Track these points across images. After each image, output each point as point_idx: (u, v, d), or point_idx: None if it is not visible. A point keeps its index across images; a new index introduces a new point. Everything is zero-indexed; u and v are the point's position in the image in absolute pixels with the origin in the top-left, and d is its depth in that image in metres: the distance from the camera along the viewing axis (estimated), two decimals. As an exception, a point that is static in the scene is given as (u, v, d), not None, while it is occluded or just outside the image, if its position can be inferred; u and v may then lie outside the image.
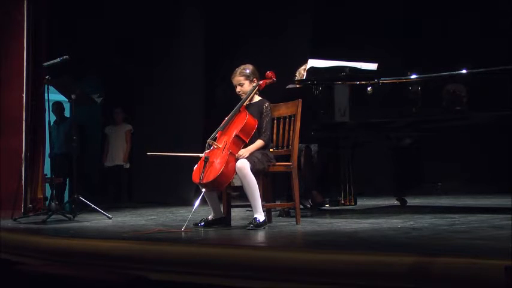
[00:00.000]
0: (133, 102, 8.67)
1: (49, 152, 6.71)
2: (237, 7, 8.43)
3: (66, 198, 7.97)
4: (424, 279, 2.34)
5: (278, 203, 5.04)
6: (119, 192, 8.41)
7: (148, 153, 4.77)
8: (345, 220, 4.66)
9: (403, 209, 5.68)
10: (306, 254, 2.84)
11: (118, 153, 8.27)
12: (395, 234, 3.60)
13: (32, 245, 3.86)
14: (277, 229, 4.18)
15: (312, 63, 5.39)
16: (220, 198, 4.59)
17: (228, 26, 8.56)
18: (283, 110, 4.59)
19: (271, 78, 4.53)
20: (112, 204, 7.17)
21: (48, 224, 5.00)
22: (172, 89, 8.10)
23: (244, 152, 4.23)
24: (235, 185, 4.39)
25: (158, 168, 7.79)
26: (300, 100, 4.45)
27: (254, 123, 4.33)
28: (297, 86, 5.40)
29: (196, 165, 4.32)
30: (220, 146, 4.25)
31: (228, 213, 4.54)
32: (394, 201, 6.13)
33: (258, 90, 4.51)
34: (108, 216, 5.30)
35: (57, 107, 8.23)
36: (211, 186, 4.20)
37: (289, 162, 4.47)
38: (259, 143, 4.31)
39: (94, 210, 5.41)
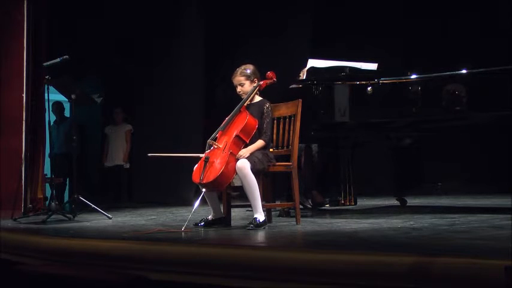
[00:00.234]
0: (134, 102, 8.66)
1: (49, 152, 6.71)
2: (237, 7, 8.43)
3: (66, 198, 7.97)
4: (424, 279, 2.34)
5: (278, 203, 5.04)
6: (119, 192, 8.41)
7: (149, 154, 4.78)
8: (345, 220, 4.65)
9: (403, 209, 5.68)
10: (306, 254, 2.83)
11: (118, 153, 8.27)
12: (395, 234, 3.60)
13: (32, 245, 3.86)
14: (277, 229, 4.18)
15: (312, 63, 5.39)
16: (220, 198, 4.59)
17: (228, 26, 8.56)
18: (283, 110, 4.59)
19: (271, 78, 4.53)
20: (112, 204, 7.17)
21: (48, 224, 5.00)
22: (172, 89, 8.10)
23: (245, 152, 4.23)
24: (235, 185, 4.39)
25: (158, 168, 7.79)
26: (300, 100, 4.45)
27: (255, 123, 4.33)
28: (300, 85, 5.40)
29: (196, 165, 4.32)
30: (220, 146, 4.25)
31: (228, 213, 4.54)
32: (394, 201, 6.13)
33: (258, 90, 4.51)
34: (108, 216, 5.30)
35: (57, 107, 8.23)
36: (212, 186, 4.20)
37: (289, 162, 4.47)
38: (259, 143, 4.31)
39: (94, 210, 5.41)
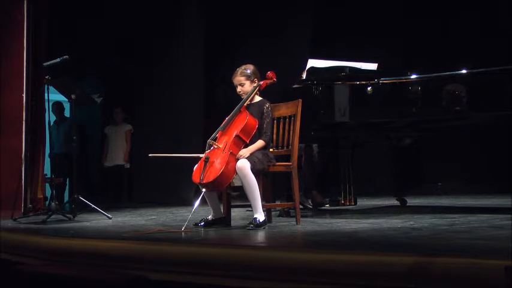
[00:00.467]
0: (134, 102, 8.66)
1: (49, 152, 6.71)
2: (237, 7, 8.43)
3: (66, 198, 7.97)
4: (424, 279, 2.34)
5: (278, 203, 5.04)
6: (119, 192, 8.41)
7: (150, 155, 4.77)
8: (345, 220, 4.65)
9: (403, 209, 5.68)
10: (306, 254, 2.83)
11: (118, 153, 8.27)
12: (395, 234, 3.60)
13: (32, 245, 3.86)
14: (277, 229, 4.18)
15: (312, 63, 5.39)
16: (220, 198, 4.58)
17: (228, 26, 8.56)
18: (283, 110, 4.59)
19: (271, 78, 4.53)
20: (112, 204, 7.17)
21: (48, 224, 5.00)
22: (172, 89, 8.10)
23: (245, 152, 4.23)
24: (235, 185, 4.39)
25: (158, 168, 7.79)
26: (300, 100, 4.45)
27: (255, 123, 4.33)
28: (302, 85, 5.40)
29: (196, 165, 4.32)
30: (220, 146, 4.25)
31: (228, 213, 4.54)
32: (394, 201, 6.13)
33: (258, 90, 4.51)
34: (108, 216, 5.30)
35: (57, 107, 8.23)
36: (212, 186, 4.20)
37: (289, 162, 4.47)
38: (259, 143, 4.31)
39: (94, 210, 5.41)
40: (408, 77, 5.01)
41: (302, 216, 4.63)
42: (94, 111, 9.17)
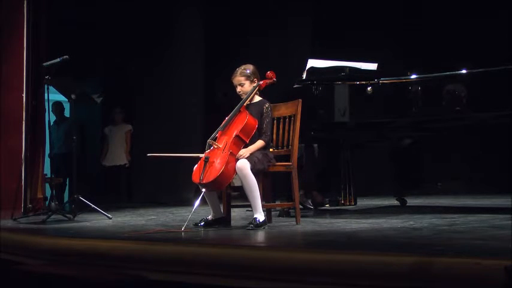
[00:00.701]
0: (134, 102, 8.67)
1: (49, 152, 6.71)
2: (237, 7, 8.43)
3: (66, 198, 7.97)
4: (424, 279, 2.34)
5: (278, 203, 5.04)
6: (118, 192, 8.41)
7: (148, 154, 4.76)
8: (345, 220, 4.65)
9: (403, 209, 5.68)
10: (306, 254, 2.84)
11: (118, 153, 8.27)
12: (395, 234, 3.60)
13: (32, 245, 3.85)
14: (277, 229, 4.18)
15: (312, 63, 5.39)
16: (220, 198, 4.58)
17: (228, 26, 8.56)
18: (283, 110, 4.59)
19: (271, 78, 4.53)
20: (112, 204, 7.16)
21: (48, 224, 5.00)
22: (172, 89, 8.10)
23: (245, 152, 4.22)
24: (235, 185, 4.38)
25: (158, 168, 7.80)
26: (300, 100, 4.45)
27: (254, 123, 4.33)
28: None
29: (196, 165, 4.31)
30: (220, 146, 4.25)
31: (228, 213, 4.54)
32: (394, 201, 6.13)
33: (258, 90, 4.51)
34: (108, 216, 5.29)
35: (57, 107, 8.23)
36: (211, 186, 4.20)
37: (289, 162, 4.47)
38: (259, 143, 4.31)
39: (94, 210, 5.41)
40: (408, 77, 5.01)
41: (302, 216, 4.63)
42: (94, 111, 9.17)
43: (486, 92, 4.79)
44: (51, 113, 5.97)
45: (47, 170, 6.73)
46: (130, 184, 8.48)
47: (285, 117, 4.56)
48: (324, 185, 5.88)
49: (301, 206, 4.95)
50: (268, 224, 4.34)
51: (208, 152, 4.30)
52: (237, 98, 4.52)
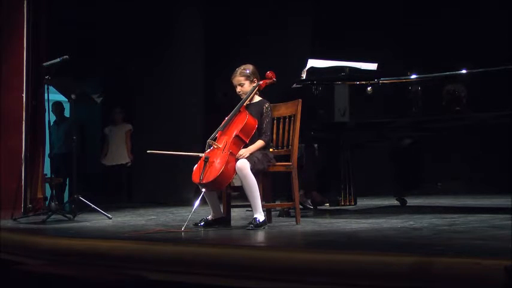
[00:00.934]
0: (134, 102, 8.67)
1: (49, 152, 6.71)
2: (237, 7, 8.43)
3: (66, 198, 7.97)
4: (424, 279, 2.34)
5: (278, 203, 5.04)
6: (119, 192, 8.41)
7: (148, 151, 4.74)
8: (344, 220, 4.65)
9: (403, 209, 5.68)
10: (306, 254, 2.83)
11: (119, 153, 8.27)
12: (395, 234, 3.60)
13: (32, 245, 3.85)
14: (277, 229, 4.18)
15: (312, 63, 5.39)
16: (220, 198, 4.58)
17: (228, 26, 8.56)
18: (283, 110, 4.59)
19: (271, 78, 4.53)
20: (112, 204, 7.17)
21: (48, 224, 5.00)
22: (172, 89, 8.10)
23: (245, 152, 4.22)
24: (235, 185, 4.38)
25: (158, 168, 7.80)
26: (300, 100, 4.45)
27: (254, 123, 4.33)
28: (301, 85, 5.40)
29: (196, 165, 4.31)
30: (220, 146, 4.25)
31: (228, 213, 4.54)
32: (394, 201, 6.13)
33: (258, 90, 4.51)
34: (108, 216, 5.29)
35: (57, 107, 8.23)
36: (211, 186, 4.20)
37: (289, 162, 4.47)
38: (259, 143, 4.31)
39: (94, 210, 5.41)
40: (408, 77, 5.01)
41: (302, 216, 4.63)
42: (94, 111, 9.18)
43: (486, 92, 4.79)
44: (51, 113, 5.97)
45: (47, 170, 6.73)
46: (131, 184, 8.48)
47: (285, 117, 4.55)
48: (324, 185, 5.88)
49: (301, 206, 4.95)
50: (268, 224, 4.34)
51: (208, 152, 4.30)
52: (237, 98, 4.52)
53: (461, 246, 3.03)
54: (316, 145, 5.74)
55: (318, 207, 5.73)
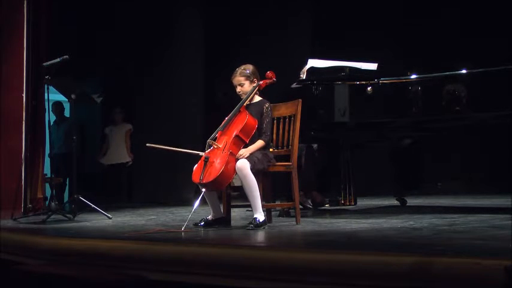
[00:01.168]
0: (134, 102, 8.67)
1: (49, 152, 6.71)
2: (237, 7, 8.43)
3: (66, 198, 7.97)
4: (424, 279, 2.34)
5: (278, 203, 5.04)
6: (119, 192, 8.41)
7: (147, 144, 4.73)
8: (345, 220, 4.65)
9: (403, 209, 5.68)
10: (306, 254, 2.83)
11: (119, 152, 8.26)
12: (395, 234, 3.60)
13: (32, 245, 3.85)
14: (277, 229, 4.18)
15: (312, 63, 5.39)
16: (220, 198, 4.58)
17: (228, 26, 8.56)
18: (283, 110, 4.59)
19: (271, 78, 4.53)
20: (112, 204, 7.16)
21: (48, 224, 5.00)
22: (172, 89, 8.10)
23: (245, 152, 4.22)
24: (235, 185, 4.38)
25: (158, 168, 7.80)
26: (300, 100, 4.45)
27: (254, 123, 4.33)
28: (301, 85, 5.40)
29: (196, 165, 4.31)
30: (220, 146, 4.25)
31: (228, 213, 4.54)
32: (394, 201, 6.13)
33: (258, 90, 4.51)
34: (108, 216, 5.30)
35: (57, 107, 8.23)
36: (212, 186, 4.20)
37: (289, 162, 4.47)
38: (259, 143, 4.31)
39: (94, 210, 5.41)
40: (408, 77, 5.01)
41: (302, 216, 4.63)
42: (94, 111, 9.18)
43: (486, 92, 4.79)
44: (51, 113, 5.97)
45: (47, 170, 6.73)
46: (131, 184, 8.48)
47: (285, 117, 4.56)
48: (323, 185, 5.88)
49: (301, 206, 4.95)
50: (268, 224, 4.35)
51: (208, 152, 4.30)
52: (237, 98, 4.52)
53: (461, 246, 3.03)
54: (315, 145, 5.74)
55: (318, 207, 5.73)
